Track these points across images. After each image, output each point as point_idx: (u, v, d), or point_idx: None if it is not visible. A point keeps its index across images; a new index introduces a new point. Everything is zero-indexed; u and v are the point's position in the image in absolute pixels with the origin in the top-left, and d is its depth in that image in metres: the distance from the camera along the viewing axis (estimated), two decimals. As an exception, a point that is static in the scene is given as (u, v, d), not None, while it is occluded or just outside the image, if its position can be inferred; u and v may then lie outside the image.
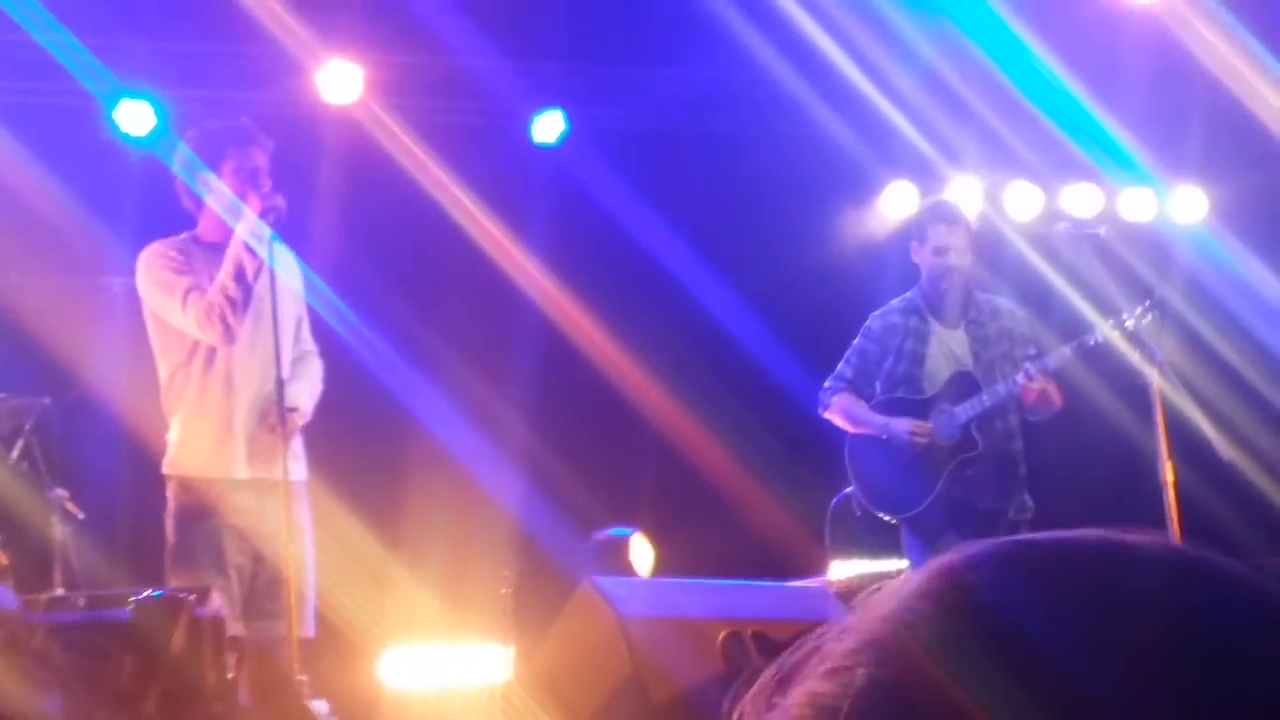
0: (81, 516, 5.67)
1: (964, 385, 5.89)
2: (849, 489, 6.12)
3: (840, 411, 6.00)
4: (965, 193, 7.73)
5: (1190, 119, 7.50)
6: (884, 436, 5.89)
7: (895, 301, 6.08)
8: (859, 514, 6.07)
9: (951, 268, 5.87)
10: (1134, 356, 5.57)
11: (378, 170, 6.82)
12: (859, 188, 7.83)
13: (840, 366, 6.08)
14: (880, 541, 6.32)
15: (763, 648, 4.92)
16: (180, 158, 5.10)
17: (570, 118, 7.31)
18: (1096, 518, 0.83)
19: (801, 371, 7.41)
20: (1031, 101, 7.31)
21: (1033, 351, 5.90)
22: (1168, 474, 5.25)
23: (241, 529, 4.94)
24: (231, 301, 4.87)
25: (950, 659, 0.72)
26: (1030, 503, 5.87)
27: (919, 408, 5.91)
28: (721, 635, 4.79)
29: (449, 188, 6.91)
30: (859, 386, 6.01)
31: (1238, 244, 7.78)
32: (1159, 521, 5.09)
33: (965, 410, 5.83)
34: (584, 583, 5.04)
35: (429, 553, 6.65)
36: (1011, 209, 7.86)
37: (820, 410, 6.07)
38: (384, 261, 6.89)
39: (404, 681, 6.07)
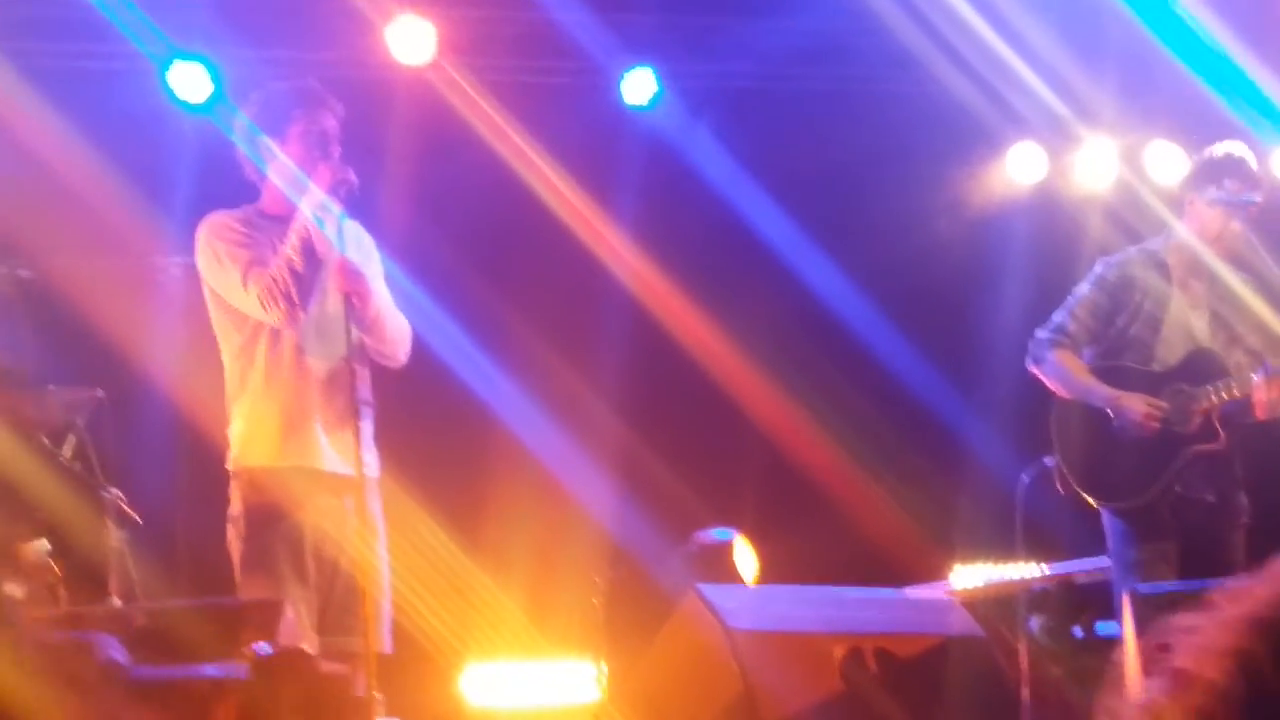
0: (138, 520, 5.70)
1: (1206, 365, 5.60)
2: (1048, 460, 5.78)
3: (1057, 371, 5.67)
4: (1100, 154, 7.63)
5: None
6: (1110, 411, 5.60)
7: (1133, 250, 5.79)
8: (1063, 493, 5.73)
9: (1234, 234, 5.56)
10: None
11: (452, 137, 6.81)
12: (981, 150, 7.73)
13: (1059, 316, 5.74)
14: (1079, 527, 6.01)
15: (885, 666, 4.89)
16: (240, 125, 5.09)
17: (661, 76, 7.26)
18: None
19: (916, 357, 7.37)
20: (1172, 51, 7.19)
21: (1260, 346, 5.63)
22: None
23: (322, 529, 4.91)
24: (297, 277, 4.86)
25: None
26: (1246, 502, 5.64)
27: (1147, 382, 5.61)
28: (841, 652, 4.76)
29: (529, 155, 6.89)
30: (1081, 343, 5.70)
31: None
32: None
33: (1207, 395, 5.54)
34: (688, 592, 5.02)
35: (512, 559, 6.68)
36: (1153, 171, 7.73)
37: (1030, 363, 5.74)
38: (459, 238, 6.89)
39: (486, 700, 6.09)
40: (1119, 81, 7.36)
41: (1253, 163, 5.71)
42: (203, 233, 5.05)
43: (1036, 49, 7.23)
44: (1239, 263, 5.71)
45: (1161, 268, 5.71)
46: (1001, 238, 7.61)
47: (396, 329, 5.10)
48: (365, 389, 5.00)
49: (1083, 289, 5.75)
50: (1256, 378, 5.46)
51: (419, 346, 5.65)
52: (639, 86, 7.28)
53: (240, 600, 4.75)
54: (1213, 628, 0.85)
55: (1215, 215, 5.61)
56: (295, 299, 4.86)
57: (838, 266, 7.37)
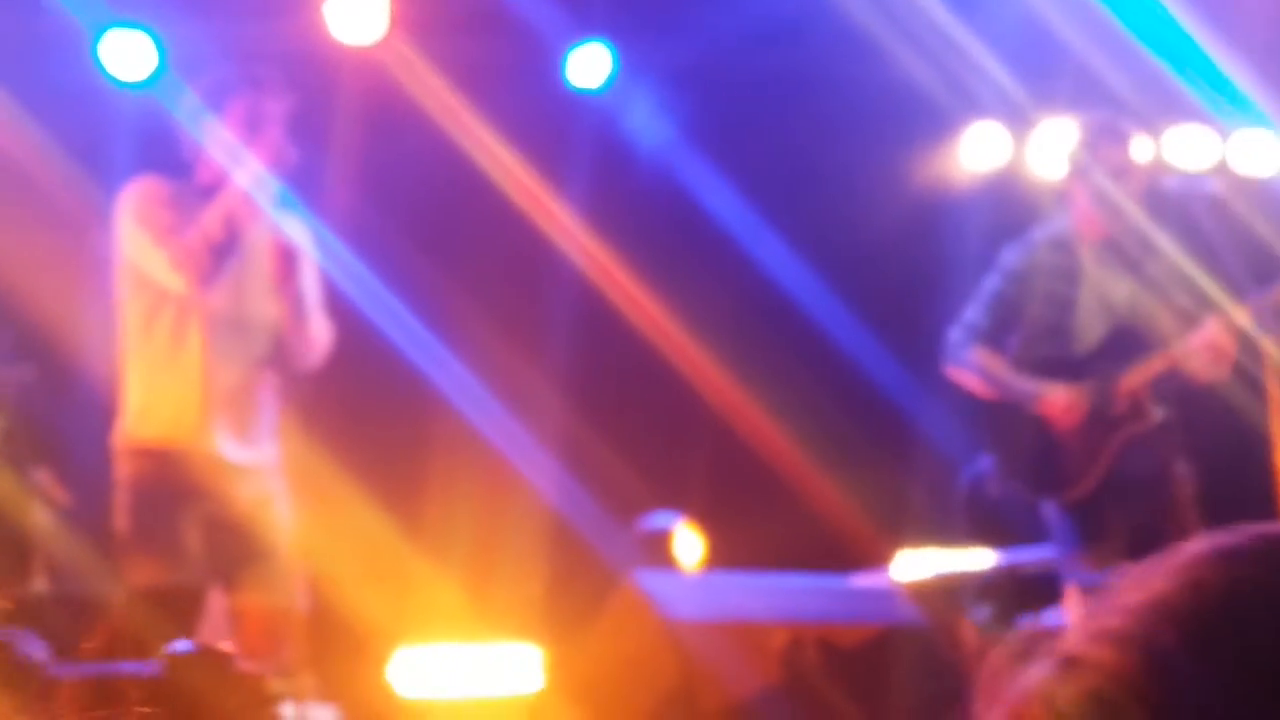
0: (66, 501, 5.65)
1: (1128, 342, 5.50)
2: (983, 463, 5.78)
3: (975, 370, 5.60)
4: (1058, 136, 7.59)
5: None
6: (1033, 405, 5.51)
7: (1035, 233, 5.69)
8: (997, 494, 5.73)
9: (1134, 190, 5.45)
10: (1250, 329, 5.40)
11: (399, 117, 6.74)
12: (937, 132, 7.68)
13: (970, 312, 5.65)
14: (1023, 524, 5.90)
15: (828, 657, 4.87)
16: (183, 100, 5.05)
17: (614, 56, 7.21)
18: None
19: (870, 341, 7.34)
20: (1132, 32, 7.16)
21: (1191, 305, 5.49)
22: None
23: (212, 510, 4.85)
24: (211, 246, 4.79)
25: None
26: (1188, 470, 5.53)
27: (1070, 368, 5.52)
28: (781, 642, 4.75)
29: (477, 135, 6.83)
30: (996, 338, 5.60)
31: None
32: (1269, 515, 4.96)
33: (1133, 373, 5.44)
34: (626, 579, 4.99)
35: (452, 542, 6.64)
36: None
37: (946, 366, 5.69)
38: (406, 220, 6.84)
39: (420, 687, 6.04)
40: (1076, 61, 7.32)
41: (1122, 121, 5.65)
42: (124, 194, 5.01)
43: (992, 29, 7.20)
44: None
45: (1065, 246, 5.59)
46: (956, 221, 7.58)
47: (315, 326, 5.03)
48: (269, 379, 4.95)
49: (991, 282, 5.65)
50: (1199, 340, 5.33)
51: (364, 329, 5.61)
52: (591, 66, 7.23)
53: (167, 584, 4.69)
54: (1110, 614, 0.82)
55: (1112, 183, 5.49)
56: (204, 266, 4.79)
57: (790, 249, 7.32)
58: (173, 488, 4.82)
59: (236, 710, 3.95)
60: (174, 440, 4.86)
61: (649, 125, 7.29)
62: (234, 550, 4.83)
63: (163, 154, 5.21)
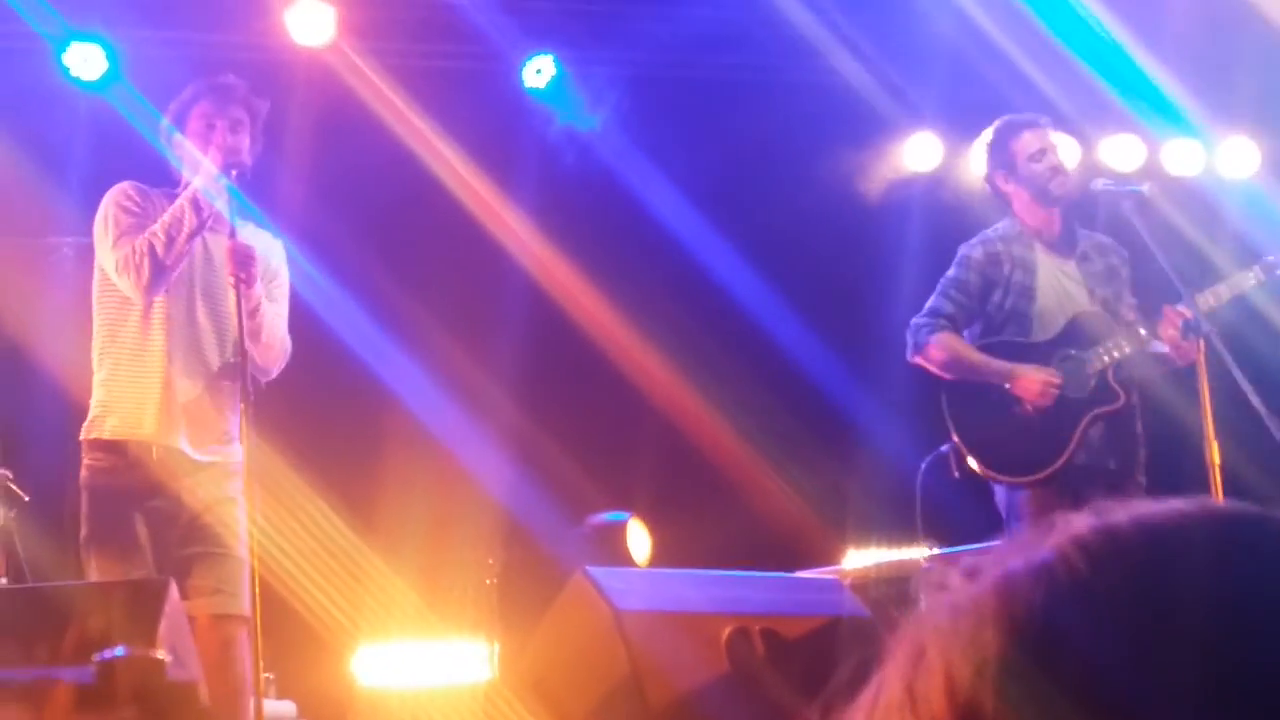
0: (26, 499, 5.67)
1: (1090, 327, 5.61)
2: (944, 447, 5.73)
3: (943, 353, 5.62)
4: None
5: (1240, 64, 7.48)
6: (1006, 385, 5.56)
7: (989, 230, 5.78)
8: (959, 476, 5.68)
9: (1057, 170, 5.61)
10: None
11: (351, 119, 6.81)
12: (878, 139, 7.80)
13: (935, 300, 5.71)
14: (975, 512, 5.91)
15: (772, 646, 4.94)
16: (143, 111, 5.10)
17: (561, 62, 7.28)
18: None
19: (813, 342, 7.41)
20: (1066, 45, 7.29)
21: (1134, 300, 5.67)
22: (1213, 455, 5.23)
23: (165, 508, 4.89)
24: (153, 252, 4.83)
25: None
26: (1144, 459, 5.62)
27: (1033, 353, 5.60)
28: (727, 632, 4.81)
29: (429, 139, 6.89)
30: (960, 325, 5.66)
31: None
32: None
33: (1099, 356, 5.56)
34: (576, 574, 5.05)
35: (406, 540, 6.65)
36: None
37: (910, 354, 5.71)
38: (357, 220, 6.86)
39: (378, 680, 6.09)
40: (1013, 72, 7.43)
41: (1028, 114, 5.83)
42: (104, 197, 5.06)
43: (933, 39, 7.30)
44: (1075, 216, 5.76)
45: (1019, 239, 5.72)
46: (898, 224, 7.66)
47: (275, 337, 5.05)
48: (228, 380, 4.99)
49: (953, 273, 5.76)
50: (1168, 327, 5.44)
51: (316, 328, 5.64)
52: (539, 72, 7.29)
53: (127, 580, 4.73)
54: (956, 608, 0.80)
55: (1035, 165, 5.65)
56: (144, 272, 4.84)
57: (736, 252, 7.39)
58: (130, 484, 4.86)
59: (166, 718, 3.95)
60: (132, 437, 4.90)
61: (593, 128, 7.34)
62: (184, 549, 4.85)
63: (121, 159, 5.25)
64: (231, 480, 4.98)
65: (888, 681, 0.81)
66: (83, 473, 4.94)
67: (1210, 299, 5.48)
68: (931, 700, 0.79)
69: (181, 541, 4.87)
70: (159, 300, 4.93)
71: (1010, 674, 0.76)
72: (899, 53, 7.31)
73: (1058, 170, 5.68)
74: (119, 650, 3.99)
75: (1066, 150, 5.72)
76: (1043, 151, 5.68)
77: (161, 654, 4.10)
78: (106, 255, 4.94)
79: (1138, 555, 0.79)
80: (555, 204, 7.23)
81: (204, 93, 5.03)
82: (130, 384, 4.93)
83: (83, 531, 4.89)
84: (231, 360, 4.96)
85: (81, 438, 4.99)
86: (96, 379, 4.99)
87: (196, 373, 4.95)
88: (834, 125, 7.45)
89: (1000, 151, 5.74)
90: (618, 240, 7.26)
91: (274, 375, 5.11)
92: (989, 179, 5.83)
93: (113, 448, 4.91)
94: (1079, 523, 0.82)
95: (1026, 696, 0.75)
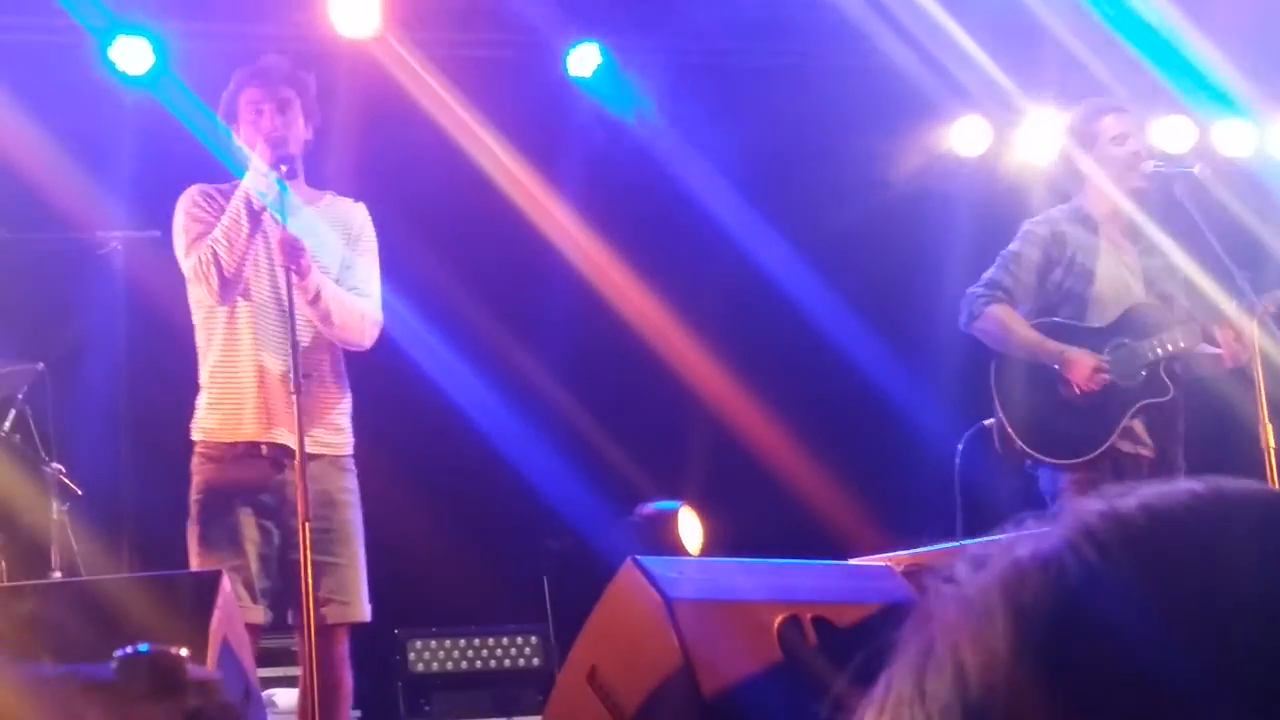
0: (79, 493, 5.71)
1: (1146, 319, 5.58)
2: (987, 421, 5.70)
3: (996, 325, 5.57)
4: (1044, 126, 7.68)
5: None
6: (1056, 365, 5.53)
7: (1056, 209, 5.76)
8: (1001, 452, 5.65)
9: (1138, 156, 5.58)
10: (1230, 309, 5.50)
11: (396, 111, 6.81)
12: (926, 123, 7.76)
13: (993, 272, 5.67)
14: (1019, 496, 5.87)
15: (824, 634, 4.93)
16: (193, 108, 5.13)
17: (607, 50, 7.27)
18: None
19: (861, 331, 7.39)
20: (1115, 27, 7.24)
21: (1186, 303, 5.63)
22: (1268, 438, 5.19)
23: (268, 504, 4.92)
24: (217, 259, 4.87)
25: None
26: (1183, 460, 5.59)
27: (1087, 337, 5.57)
28: (779, 620, 4.79)
29: (474, 130, 6.89)
30: (1016, 299, 5.62)
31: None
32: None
33: (1152, 347, 5.53)
34: (626, 563, 5.05)
35: (454, 532, 6.67)
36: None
37: (964, 322, 5.66)
38: (402, 211, 6.80)
39: (429, 671, 6.10)
40: (1061, 53, 7.40)
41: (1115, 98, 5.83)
42: (177, 205, 5.08)
43: (980, 21, 7.26)
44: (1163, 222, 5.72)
45: (1088, 221, 5.70)
46: (946, 210, 7.64)
47: (344, 312, 5.05)
48: (324, 367, 5.00)
49: (1015, 247, 5.72)
50: (1223, 322, 5.43)
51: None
52: (584, 60, 7.29)
53: (179, 573, 4.76)
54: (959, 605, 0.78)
55: (1118, 149, 5.63)
56: (212, 277, 4.87)
57: (783, 240, 7.38)
58: (234, 479, 4.90)
59: (187, 716, 3.95)
60: (234, 436, 4.94)
61: (638, 116, 7.33)
62: (295, 553, 4.78)
63: (167, 156, 5.27)
64: (343, 476, 5.00)
65: (897, 677, 0.80)
66: (192, 475, 4.99)
67: (1270, 304, 5.43)
68: (941, 695, 0.78)
69: (293, 545, 4.84)
70: (241, 299, 4.96)
71: (1022, 665, 0.75)
72: (947, 36, 7.26)
73: (1138, 157, 5.63)
74: (142, 647, 4.00)
75: (1149, 140, 5.65)
76: (1125, 136, 5.65)
77: (184, 651, 4.10)
78: (183, 264, 4.99)
79: (1145, 543, 0.78)
80: (601, 193, 7.23)
81: (247, 80, 5.04)
82: (227, 383, 4.98)
83: (189, 531, 4.93)
84: (321, 341, 4.97)
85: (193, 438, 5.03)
86: (201, 379, 5.04)
87: (278, 367, 4.96)
88: (881, 110, 7.42)
89: (1084, 131, 5.72)
90: (664, 229, 7.26)
91: (368, 346, 5.12)
92: (1068, 157, 5.80)
93: (216, 446, 4.95)
94: (1085, 509, 0.81)
95: (1040, 688, 0.74)
